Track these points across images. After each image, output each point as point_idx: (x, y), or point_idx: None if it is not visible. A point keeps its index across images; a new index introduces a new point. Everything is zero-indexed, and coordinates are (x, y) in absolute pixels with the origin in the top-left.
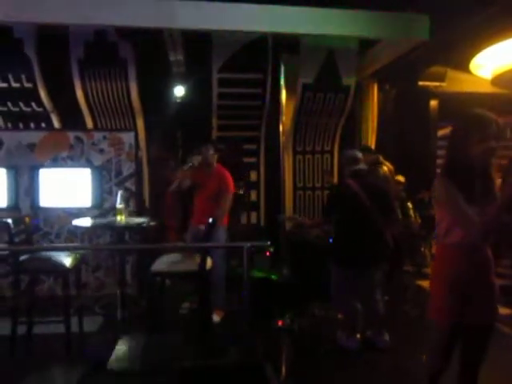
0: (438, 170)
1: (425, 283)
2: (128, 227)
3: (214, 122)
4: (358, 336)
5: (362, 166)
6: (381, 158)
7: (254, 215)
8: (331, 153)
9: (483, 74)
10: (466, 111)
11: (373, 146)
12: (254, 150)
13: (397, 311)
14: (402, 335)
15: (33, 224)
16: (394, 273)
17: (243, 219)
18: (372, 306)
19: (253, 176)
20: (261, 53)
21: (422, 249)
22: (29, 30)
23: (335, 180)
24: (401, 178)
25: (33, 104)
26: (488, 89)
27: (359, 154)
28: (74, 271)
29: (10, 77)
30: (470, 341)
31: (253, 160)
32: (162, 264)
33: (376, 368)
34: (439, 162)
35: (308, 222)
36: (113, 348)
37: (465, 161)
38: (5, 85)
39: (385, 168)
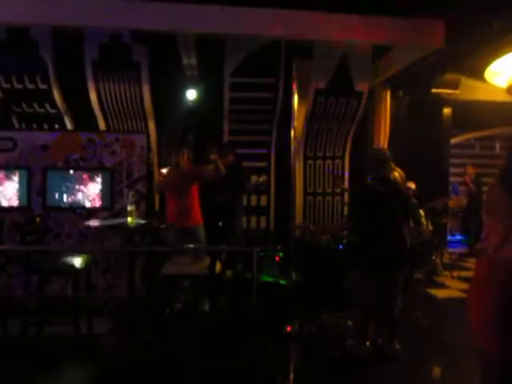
0: (451, 178)
1: (435, 291)
2: (138, 229)
3: (226, 126)
4: (369, 344)
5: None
6: (392, 164)
7: (263, 220)
8: (342, 158)
9: (498, 82)
10: None
11: None
12: (265, 155)
13: (407, 319)
14: (413, 343)
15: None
16: (407, 280)
17: (252, 223)
18: (390, 312)
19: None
20: (273, 57)
21: (433, 257)
22: (44, 32)
23: (345, 185)
24: (412, 185)
25: (47, 105)
26: (503, 97)
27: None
28: (84, 272)
29: (26, 78)
30: None
31: (263, 164)
32: (172, 266)
33: (386, 376)
34: (452, 170)
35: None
36: (122, 350)
37: None
38: (20, 86)
39: (396, 174)
